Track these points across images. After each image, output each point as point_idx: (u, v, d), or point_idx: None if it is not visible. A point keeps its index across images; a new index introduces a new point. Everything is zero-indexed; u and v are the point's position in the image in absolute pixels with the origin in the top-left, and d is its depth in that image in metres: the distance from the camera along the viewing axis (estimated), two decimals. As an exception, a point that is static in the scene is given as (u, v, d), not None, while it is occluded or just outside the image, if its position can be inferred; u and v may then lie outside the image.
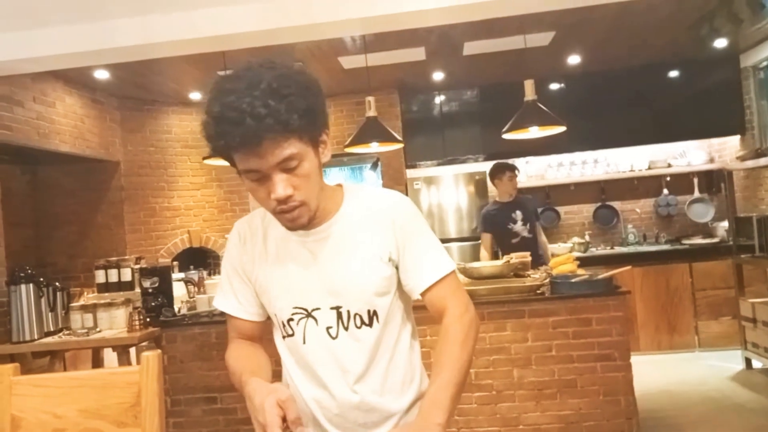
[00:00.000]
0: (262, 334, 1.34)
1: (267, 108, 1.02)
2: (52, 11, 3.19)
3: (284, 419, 1.04)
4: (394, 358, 1.26)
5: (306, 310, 1.23)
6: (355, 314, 1.22)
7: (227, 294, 1.32)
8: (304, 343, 1.23)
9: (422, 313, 1.33)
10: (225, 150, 1.09)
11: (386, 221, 1.24)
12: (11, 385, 1.32)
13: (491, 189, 5.96)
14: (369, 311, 1.22)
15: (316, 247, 1.22)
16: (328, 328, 1.22)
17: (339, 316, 1.22)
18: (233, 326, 1.33)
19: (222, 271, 1.34)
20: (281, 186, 1.09)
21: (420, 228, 1.27)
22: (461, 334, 1.21)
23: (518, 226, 4.37)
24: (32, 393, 1.32)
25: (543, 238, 4.58)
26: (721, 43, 5.03)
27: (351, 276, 1.21)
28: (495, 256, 4.41)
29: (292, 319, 1.24)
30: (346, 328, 1.22)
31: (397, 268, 1.26)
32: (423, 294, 1.25)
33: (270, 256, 1.26)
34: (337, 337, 1.22)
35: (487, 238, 4.49)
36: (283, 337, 1.27)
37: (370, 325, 1.22)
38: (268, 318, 1.33)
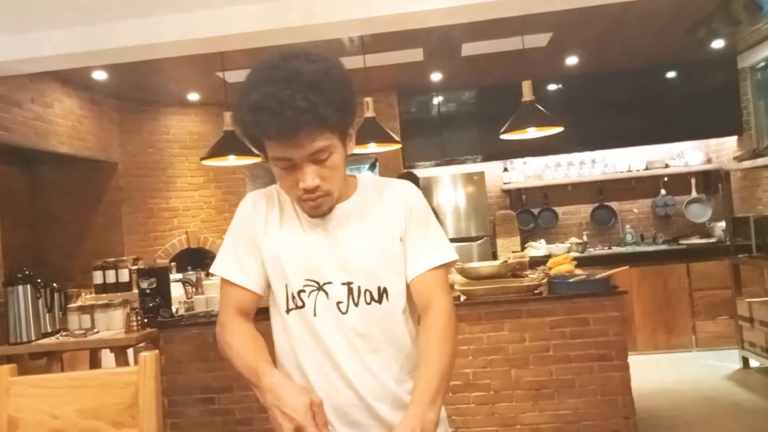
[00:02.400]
0: (254, 310, 1.30)
1: (307, 101, 1.05)
2: (50, 12, 3.18)
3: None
4: (404, 336, 1.28)
5: (318, 282, 1.23)
6: (366, 290, 1.24)
7: (231, 261, 1.28)
8: (315, 315, 1.23)
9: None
10: (259, 137, 1.13)
11: (398, 202, 1.28)
12: (9, 385, 1.32)
13: (489, 189, 5.99)
14: (379, 288, 1.24)
15: (330, 224, 1.25)
16: (338, 303, 1.23)
17: (350, 291, 1.23)
18: (231, 296, 1.28)
19: (226, 239, 1.31)
20: (311, 176, 1.14)
21: (427, 215, 1.31)
22: (450, 328, 1.23)
23: None
24: (30, 393, 1.32)
25: None
26: (718, 44, 5.04)
27: (363, 252, 1.24)
28: None
29: (303, 291, 1.24)
30: (357, 304, 1.23)
31: (403, 248, 1.29)
32: (414, 279, 1.26)
33: (285, 228, 1.27)
34: (347, 312, 1.23)
35: None
36: (289, 310, 1.24)
37: (380, 302, 1.24)
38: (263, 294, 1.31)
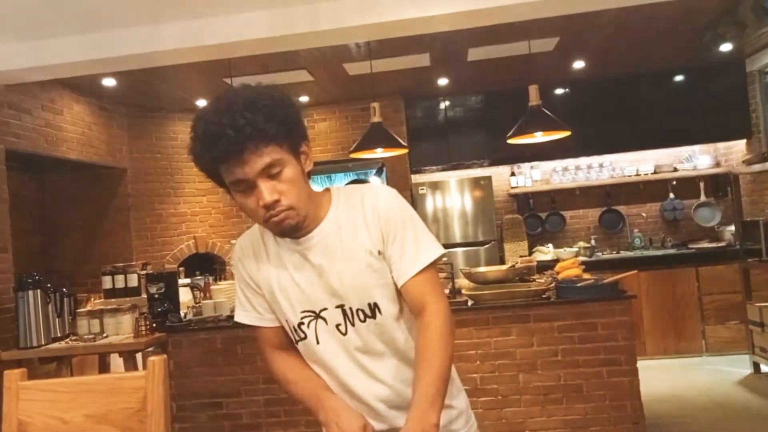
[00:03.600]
0: (287, 338, 1.36)
1: (245, 119, 1.11)
2: (60, 21, 3.22)
3: None
4: (407, 340, 1.29)
5: (314, 312, 1.27)
6: (358, 310, 1.26)
7: (245, 306, 1.36)
8: (318, 343, 1.28)
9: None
10: (212, 164, 1.17)
11: (372, 215, 1.27)
12: (19, 389, 1.33)
13: (497, 194, 5.98)
14: (370, 304, 1.26)
15: (310, 254, 1.27)
16: (337, 326, 1.27)
17: (344, 313, 1.26)
18: (261, 337, 1.37)
19: (236, 288, 1.39)
20: (267, 192, 1.16)
21: (403, 219, 1.28)
22: (446, 330, 1.24)
23: None
24: (39, 398, 1.33)
25: None
26: (726, 47, 5.02)
27: (345, 276, 1.25)
28: None
29: (302, 323, 1.28)
30: (353, 324, 1.26)
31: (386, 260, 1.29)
32: (403, 286, 1.27)
33: (272, 268, 1.30)
34: (346, 333, 1.26)
35: None
36: (296, 341, 1.32)
37: (374, 317, 1.26)
38: None
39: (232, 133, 1.10)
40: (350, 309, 1.26)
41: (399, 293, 1.30)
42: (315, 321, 1.27)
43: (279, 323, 1.35)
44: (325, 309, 1.26)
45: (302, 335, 1.29)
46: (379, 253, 1.26)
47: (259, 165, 1.14)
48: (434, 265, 1.29)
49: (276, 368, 1.36)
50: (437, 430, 1.14)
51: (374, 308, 1.26)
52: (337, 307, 1.26)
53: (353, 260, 1.25)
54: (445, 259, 4.07)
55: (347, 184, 5.15)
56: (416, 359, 1.24)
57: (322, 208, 1.28)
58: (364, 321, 1.26)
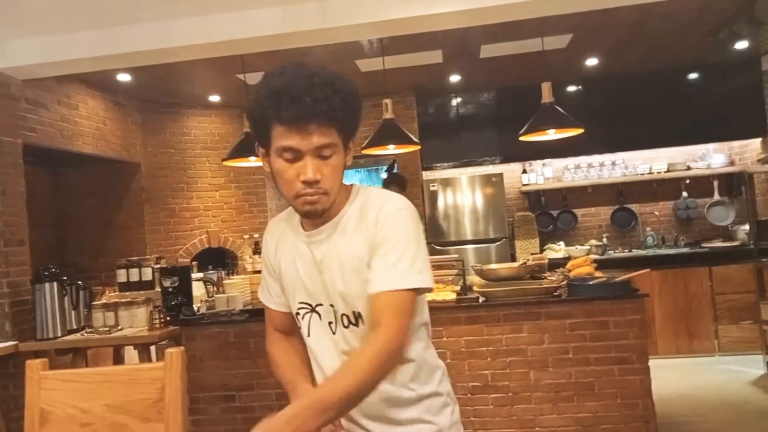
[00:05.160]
0: (292, 325, 1.40)
1: (324, 94, 1.12)
2: (76, 17, 3.26)
3: None
4: None
5: (310, 305, 1.31)
6: (343, 314, 1.27)
7: (264, 287, 1.43)
8: (309, 335, 1.32)
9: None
10: (271, 121, 1.15)
11: (371, 224, 1.23)
12: (40, 379, 1.36)
13: (508, 191, 5.97)
14: (354, 312, 1.26)
15: (315, 249, 1.28)
16: (329, 323, 1.29)
17: (335, 313, 1.28)
18: (268, 316, 1.43)
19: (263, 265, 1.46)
20: (312, 169, 1.16)
21: (396, 233, 1.20)
22: (381, 355, 1.13)
23: None
24: (60, 387, 1.36)
25: None
26: (742, 45, 4.97)
27: (336, 281, 1.26)
28: None
29: (298, 313, 1.33)
30: (343, 325, 1.28)
31: None
32: (370, 295, 1.19)
33: (287, 254, 1.34)
34: (335, 332, 1.29)
35: None
36: (299, 328, 1.36)
37: (357, 325, 1.27)
38: None
39: (309, 101, 1.11)
40: (337, 311, 1.28)
41: None
42: (310, 314, 1.30)
43: (285, 308, 1.39)
44: (320, 305, 1.29)
45: (299, 324, 1.34)
46: (368, 264, 1.22)
47: (318, 141, 1.14)
48: (413, 294, 1.19)
49: (270, 348, 1.41)
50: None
51: (357, 317, 1.26)
52: (330, 306, 1.28)
53: (346, 264, 1.24)
54: (456, 256, 4.09)
55: (386, 178, 5.11)
56: (338, 368, 1.17)
57: (339, 202, 1.27)
58: (347, 327, 1.27)
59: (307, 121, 1.12)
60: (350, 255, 1.24)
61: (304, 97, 1.11)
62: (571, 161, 5.98)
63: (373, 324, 1.18)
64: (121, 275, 3.76)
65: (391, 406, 1.27)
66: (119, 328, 3.42)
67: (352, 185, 1.32)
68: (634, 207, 6.02)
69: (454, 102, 5.97)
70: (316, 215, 1.23)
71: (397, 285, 1.16)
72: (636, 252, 5.73)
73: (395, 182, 4.71)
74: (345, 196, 1.29)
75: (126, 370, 1.47)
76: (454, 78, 5.50)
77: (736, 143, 5.83)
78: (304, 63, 1.18)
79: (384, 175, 5.87)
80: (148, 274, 3.77)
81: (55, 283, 3.37)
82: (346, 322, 1.27)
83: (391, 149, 4.43)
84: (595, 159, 5.94)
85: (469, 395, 3.18)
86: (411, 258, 1.19)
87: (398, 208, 1.23)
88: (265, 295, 1.43)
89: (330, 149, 1.17)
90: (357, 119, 1.22)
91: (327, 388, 1.14)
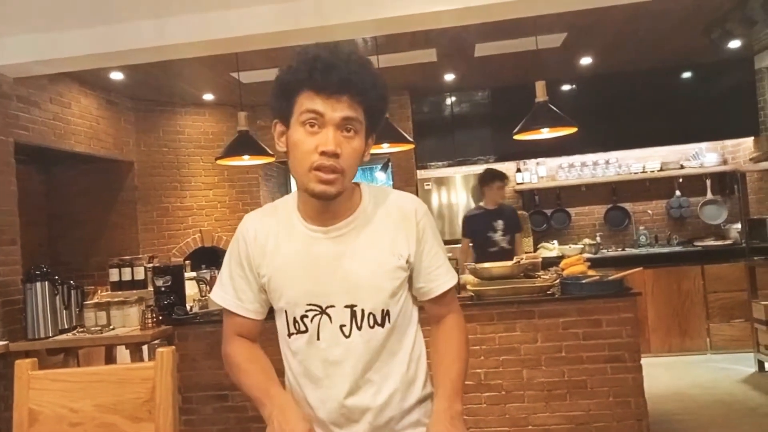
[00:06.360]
0: (259, 332, 1.33)
1: (358, 72, 1.14)
2: (68, 14, 3.24)
3: None
4: (402, 358, 1.27)
5: (320, 307, 1.22)
6: (369, 314, 1.22)
7: (227, 288, 1.31)
8: (318, 339, 1.23)
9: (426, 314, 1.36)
10: (301, 87, 1.14)
11: (410, 221, 1.26)
12: (29, 379, 1.35)
13: (507, 190, 5.97)
14: (383, 311, 1.23)
15: (336, 244, 1.22)
16: (341, 326, 1.22)
17: (353, 314, 1.22)
18: (232, 323, 1.32)
19: (224, 264, 1.33)
20: (334, 140, 1.13)
21: (436, 234, 1.31)
22: (465, 338, 1.34)
23: (498, 236, 4.33)
24: (50, 387, 1.35)
25: (521, 251, 4.51)
26: (735, 44, 4.99)
27: (369, 275, 1.22)
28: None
29: (306, 316, 1.23)
30: (359, 327, 1.22)
31: (410, 269, 1.27)
32: (431, 299, 1.31)
33: (284, 252, 1.24)
34: (349, 336, 1.22)
35: (465, 243, 4.43)
36: (290, 334, 1.25)
37: (382, 325, 1.23)
38: (267, 317, 1.33)
39: (344, 71, 1.12)
40: (362, 311, 1.22)
41: (413, 309, 1.31)
42: (320, 316, 1.22)
43: (256, 315, 1.30)
44: (332, 306, 1.22)
45: (303, 328, 1.23)
46: (407, 261, 1.25)
47: (345, 112, 1.14)
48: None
49: (233, 353, 1.30)
50: (462, 415, 1.24)
51: (385, 316, 1.23)
52: (347, 306, 1.21)
53: (377, 258, 1.22)
54: (449, 254, 4.07)
55: (486, 175, 4.77)
56: (440, 356, 1.30)
57: (353, 199, 1.25)
58: (373, 327, 1.22)
59: (338, 90, 1.12)
60: (384, 251, 1.23)
61: (340, 66, 1.12)
62: (564, 160, 6.00)
63: (443, 314, 1.34)
64: (114, 274, 3.75)
65: (404, 413, 1.27)
66: (111, 327, 3.40)
67: (358, 183, 1.29)
68: (628, 206, 6.04)
69: (449, 101, 5.97)
70: (327, 197, 1.16)
71: (454, 280, 1.33)
72: (629, 251, 5.75)
73: (497, 177, 4.42)
74: (357, 192, 1.27)
75: (116, 369, 1.47)
76: (449, 77, 5.50)
77: (728, 142, 5.86)
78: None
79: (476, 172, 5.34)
80: (140, 273, 3.76)
81: (46, 283, 3.35)
82: (371, 322, 1.22)
83: (386, 148, 4.43)
84: (589, 158, 5.96)
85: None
86: (446, 257, 1.33)
87: (425, 209, 1.31)
88: (230, 300, 1.30)
89: (353, 127, 1.16)
90: (384, 108, 1.23)
91: (454, 370, 1.27)
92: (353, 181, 1.24)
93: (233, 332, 1.32)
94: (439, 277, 1.30)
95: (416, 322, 1.32)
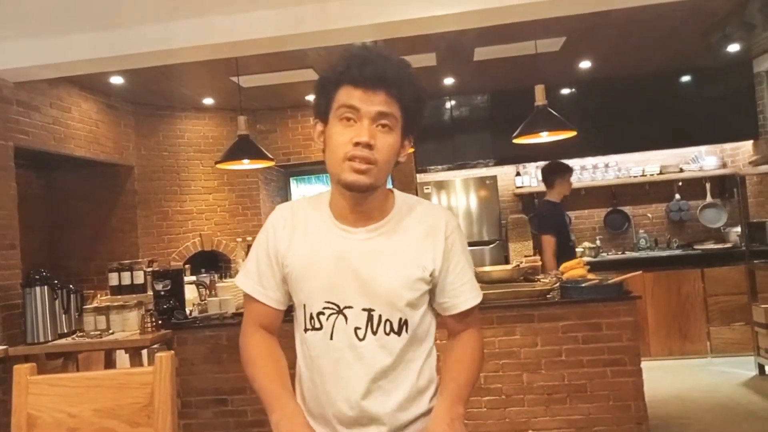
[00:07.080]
0: (279, 324, 1.34)
1: (394, 71, 1.18)
2: (68, 18, 3.24)
3: None
4: (414, 369, 1.26)
5: (338, 306, 1.22)
6: (386, 320, 1.21)
7: (251, 275, 1.31)
8: (332, 339, 1.22)
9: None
10: (340, 82, 1.18)
11: (439, 234, 1.26)
12: (28, 384, 1.35)
13: (501, 193, 5.98)
14: (401, 320, 1.22)
15: (362, 246, 1.22)
16: (356, 329, 1.21)
17: (370, 318, 1.21)
18: (251, 309, 1.33)
19: (251, 251, 1.34)
20: (368, 132, 1.16)
21: (465, 250, 1.31)
22: (481, 352, 1.34)
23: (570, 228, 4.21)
24: (48, 392, 1.35)
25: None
26: (734, 48, 5.00)
27: (390, 282, 1.21)
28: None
29: (322, 313, 1.23)
30: (375, 333, 1.21)
31: (434, 283, 1.27)
32: (453, 314, 1.31)
33: (310, 246, 1.25)
34: (363, 339, 1.21)
35: (551, 241, 4.06)
36: (306, 330, 1.25)
37: (399, 334, 1.22)
38: (288, 310, 1.34)
39: (381, 67, 1.16)
40: (379, 316, 1.21)
41: (432, 322, 1.31)
42: (336, 316, 1.21)
43: (277, 305, 1.30)
44: (349, 307, 1.21)
45: (318, 325, 1.23)
46: (431, 274, 1.24)
47: (380, 107, 1.16)
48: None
49: (250, 345, 1.30)
50: (463, 419, 1.22)
51: (402, 325, 1.22)
52: (365, 309, 1.21)
53: (401, 267, 1.22)
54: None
55: (550, 168, 4.50)
56: (451, 363, 1.30)
57: (385, 203, 1.26)
58: (389, 335, 1.21)
59: (374, 84, 1.15)
60: (408, 261, 1.23)
61: (379, 61, 1.17)
62: (564, 164, 5.99)
63: (462, 329, 1.33)
64: (113, 279, 3.75)
65: (409, 422, 1.26)
66: (111, 332, 3.40)
67: (391, 189, 1.31)
68: (627, 209, 6.05)
69: (448, 104, 5.98)
70: (360, 188, 1.17)
71: (478, 298, 1.32)
72: (629, 254, 5.74)
73: (569, 169, 4.29)
74: (390, 197, 1.29)
75: (115, 374, 1.46)
76: (448, 81, 5.51)
77: (728, 145, 5.87)
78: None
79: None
80: (139, 277, 3.75)
81: (45, 287, 3.35)
82: (387, 329, 1.21)
83: (385, 152, 4.41)
84: (588, 161, 5.96)
85: (462, 398, 3.18)
86: (473, 273, 1.33)
87: (456, 223, 1.31)
88: (252, 285, 1.30)
89: (388, 122, 1.18)
90: (421, 108, 1.24)
91: (462, 377, 1.27)
92: (388, 187, 1.27)
93: (253, 321, 1.32)
94: (464, 293, 1.29)
95: (433, 335, 1.32)
